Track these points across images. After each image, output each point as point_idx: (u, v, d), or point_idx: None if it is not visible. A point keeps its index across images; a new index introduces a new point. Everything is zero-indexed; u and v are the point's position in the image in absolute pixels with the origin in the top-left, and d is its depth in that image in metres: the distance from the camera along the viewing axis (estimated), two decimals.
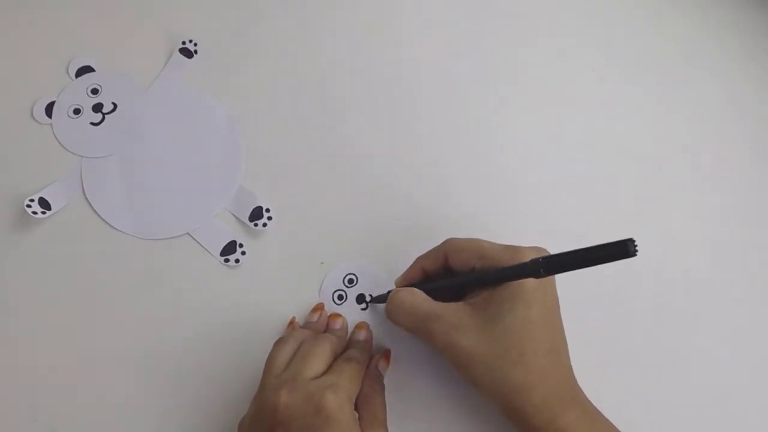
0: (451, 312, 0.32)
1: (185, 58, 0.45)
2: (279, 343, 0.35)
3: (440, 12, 0.47)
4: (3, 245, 0.40)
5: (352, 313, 0.39)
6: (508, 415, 0.31)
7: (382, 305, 0.38)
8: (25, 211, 0.39)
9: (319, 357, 0.33)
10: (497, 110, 0.45)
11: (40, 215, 0.39)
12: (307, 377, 0.32)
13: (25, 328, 0.38)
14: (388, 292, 0.37)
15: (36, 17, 0.45)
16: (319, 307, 0.38)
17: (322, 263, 0.40)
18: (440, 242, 0.36)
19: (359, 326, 0.38)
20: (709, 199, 0.43)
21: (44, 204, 0.40)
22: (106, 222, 0.41)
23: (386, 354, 0.37)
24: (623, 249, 0.26)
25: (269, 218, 0.41)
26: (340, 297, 0.39)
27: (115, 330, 0.39)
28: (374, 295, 0.39)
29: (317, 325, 0.38)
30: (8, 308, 0.39)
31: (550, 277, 0.31)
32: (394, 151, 0.43)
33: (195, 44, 0.45)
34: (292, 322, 0.38)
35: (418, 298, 0.34)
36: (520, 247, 0.32)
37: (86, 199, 0.41)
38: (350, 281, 0.40)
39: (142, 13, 0.46)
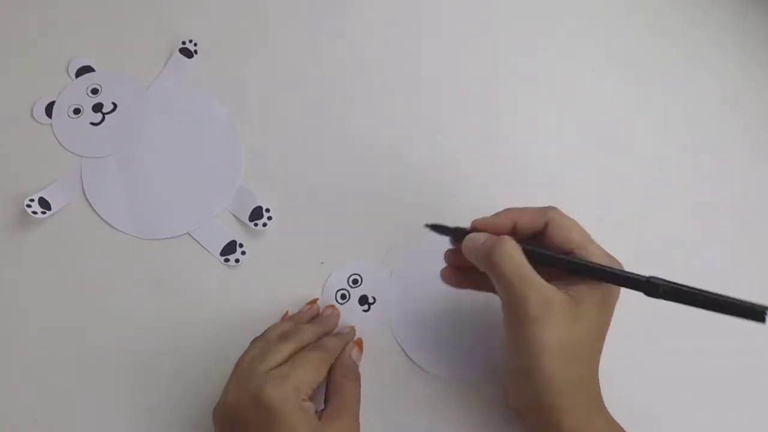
0: (552, 290, 0.30)
1: (185, 58, 0.45)
2: (254, 340, 0.35)
3: (440, 12, 0.47)
4: (3, 245, 0.40)
5: (353, 314, 0.39)
6: (539, 410, 0.31)
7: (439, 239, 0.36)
8: (25, 211, 0.39)
9: (281, 351, 0.33)
10: (497, 110, 0.45)
11: (40, 215, 0.39)
12: (260, 371, 0.31)
13: (25, 328, 0.38)
14: (456, 228, 0.34)
15: (36, 17, 0.45)
16: (312, 301, 0.39)
17: (322, 263, 0.40)
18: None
19: (357, 343, 0.38)
20: (709, 199, 0.43)
21: (44, 204, 0.40)
22: (106, 222, 0.41)
23: (358, 342, 0.37)
24: (756, 314, 0.27)
25: (269, 218, 0.41)
26: (343, 296, 0.39)
27: (115, 330, 0.39)
28: (377, 298, 0.39)
29: (303, 315, 0.37)
30: (8, 308, 0.39)
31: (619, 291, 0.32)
32: (395, 151, 0.43)
33: (195, 44, 0.45)
34: (285, 315, 0.38)
35: (523, 257, 0.31)
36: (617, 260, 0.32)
37: (86, 199, 0.41)
38: (355, 281, 0.40)
39: (142, 13, 0.46)
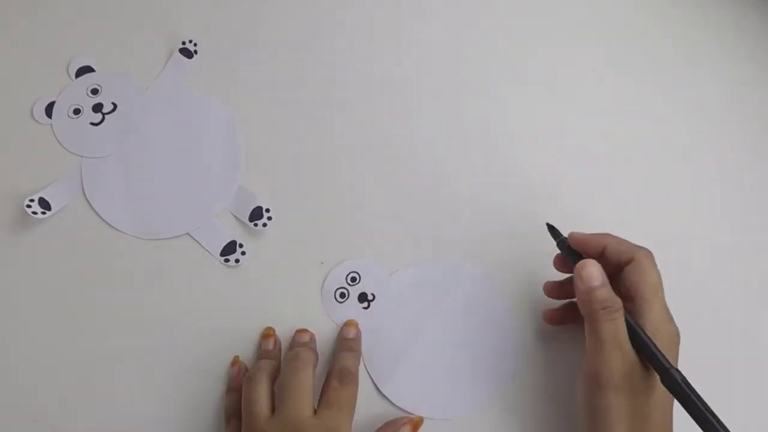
0: (632, 362, 0.31)
1: (185, 58, 0.45)
2: (250, 382, 0.34)
3: (440, 12, 0.47)
4: (3, 245, 0.40)
5: (353, 312, 0.39)
6: None
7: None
8: (25, 212, 0.39)
9: (304, 389, 0.33)
10: (497, 111, 0.45)
11: (40, 215, 0.39)
12: (305, 416, 0.32)
13: (25, 328, 0.38)
14: (563, 240, 0.37)
15: (36, 17, 0.45)
16: (270, 333, 0.38)
17: (322, 263, 0.40)
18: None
19: (349, 324, 0.38)
20: (709, 199, 0.43)
21: (44, 204, 0.40)
22: (106, 222, 0.41)
23: (416, 423, 0.36)
24: None
25: (269, 218, 0.41)
26: (342, 295, 0.39)
27: (114, 330, 0.39)
28: (376, 295, 0.39)
29: (273, 352, 0.37)
30: (8, 308, 0.39)
31: None
32: (394, 150, 0.43)
33: (195, 44, 0.45)
34: (235, 363, 0.38)
35: (625, 330, 0.32)
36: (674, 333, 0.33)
37: (86, 199, 0.41)
38: (353, 279, 0.40)
39: (142, 13, 0.46)
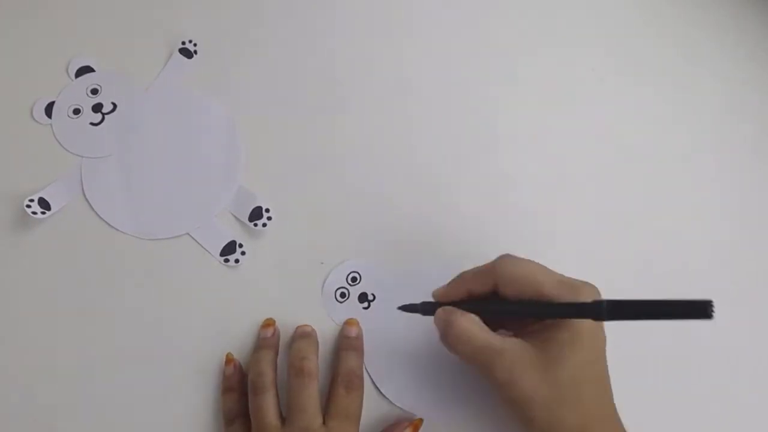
0: (514, 348, 0.31)
1: (185, 59, 0.45)
2: (258, 392, 0.35)
3: (441, 12, 0.47)
4: (2, 245, 0.40)
5: (353, 312, 0.39)
6: None
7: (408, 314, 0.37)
8: (25, 211, 0.39)
9: (312, 402, 0.34)
10: (497, 110, 0.45)
11: (39, 215, 0.39)
12: (315, 428, 0.33)
13: (25, 328, 0.38)
14: (422, 303, 0.35)
15: (36, 17, 0.45)
16: (270, 323, 0.38)
17: (322, 263, 0.40)
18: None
19: (350, 322, 0.38)
20: (709, 199, 0.43)
21: (44, 204, 0.40)
22: (106, 222, 0.41)
23: (416, 425, 0.36)
24: (700, 309, 0.26)
25: (269, 218, 0.41)
26: (343, 295, 0.39)
27: (114, 330, 0.39)
28: (377, 295, 0.39)
29: (272, 340, 0.37)
30: (8, 308, 0.39)
31: None
32: (395, 151, 0.43)
33: (195, 44, 0.45)
34: (230, 361, 0.37)
35: (477, 327, 0.32)
36: (575, 284, 0.31)
37: (86, 199, 0.41)
38: (353, 279, 0.40)
39: (142, 14, 0.46)
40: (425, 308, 0.35)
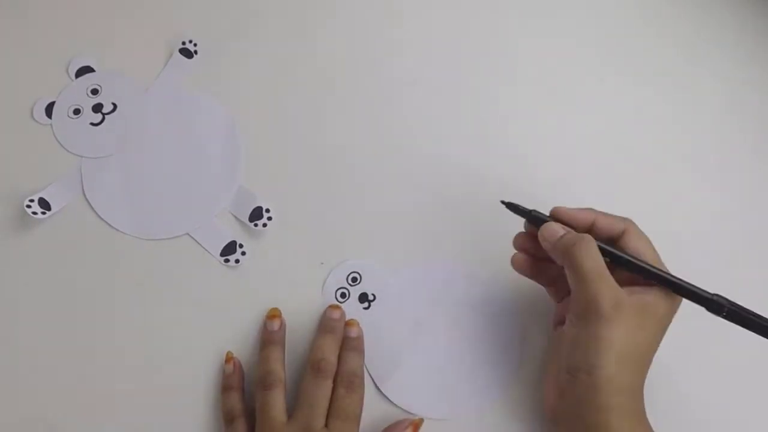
0: (624, 294, 0.32)
1: (185, 59, 0.45)
2: (268, 388, 0.35)
3: (440, 12, 0.47)
4: (3, 246, 0.40)
5: (354, 313, 0.39)
6: (588, 412, 0.31)
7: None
8: (25, 212, 0.39)
9: (321, 401, 0.34)
10: (497, 110, 0.45)
11: (40, 216, 0.39)
12: (317, 428, 0.33)
13: (26, 328, 0.38)
14: (532, 212, 0.35)
15: (36, 17, 0.45)
16: (275, 314, 0.38)
17: (322, 263, 0.40)
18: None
19: (350, 323, 0.38)
20: (709, 199, 0.43)
21: (44, 204, 0.40)
22: (106, 222, 0.41)
23: (417, 424, 0.36)
24: None
25: (269, 218, 0.41)
26: (343, 295, 0.39)
27: (114, 330, 0.39)
28: (377, 295, 0.39)
29: (279, 334, 0.38)
30: (8, 309, 0.39)
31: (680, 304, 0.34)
32: (395, 151, 0.43)
33: (195, 44, 0.45)
34: (229, 359, 0.38)
35: (600, 256, 0.32)
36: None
37: (86, 199, 0.41)
38: (354, 279, 0.40)
39: (142, 14, 0.46)
40: (534, 218, 0.35)
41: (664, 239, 0.42)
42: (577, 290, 0.32)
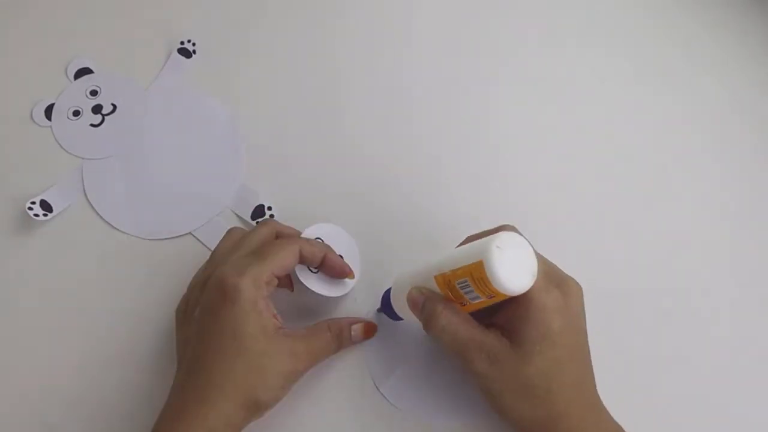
0: (493, 342, 0.31)
1: (184, 58, 0.45)
2: (230, 229, 0.37)
3: (440, 12, 0.47)
4: (5, 248, 0.40)
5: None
6: None
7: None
8: (27, 214, 0.39)
9: (253, 239, 0.35)
10: (497, 110, 0.45)
11: (41, 217, 0.39)
12: (234, 257, 0.34)
13: (27, 329, 0.39)
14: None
15: (35, 19, 0.45)
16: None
17: None
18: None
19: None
20: (709, 199, 0.44)
21: (46, 206, 0.40)
22: (108, 223, 0.41)
23: (368, 327, 0.37)
24: None
25: (271, 216, 0.41)
26: None
27: (116, 330, 0.39)
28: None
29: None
30: (10, 310, 0.39)
31: (581, 315, 0.33)
32: (395, 149, 0.43)
33: (193, 44, 0.45)
34: None
35: (460, 319, 0.32)
36: (562, 276, 0.33)
37: (87, 200, 0.41)
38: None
39: (141, 14, 0.46)
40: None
41: (664, 239, 0.42)
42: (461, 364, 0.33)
